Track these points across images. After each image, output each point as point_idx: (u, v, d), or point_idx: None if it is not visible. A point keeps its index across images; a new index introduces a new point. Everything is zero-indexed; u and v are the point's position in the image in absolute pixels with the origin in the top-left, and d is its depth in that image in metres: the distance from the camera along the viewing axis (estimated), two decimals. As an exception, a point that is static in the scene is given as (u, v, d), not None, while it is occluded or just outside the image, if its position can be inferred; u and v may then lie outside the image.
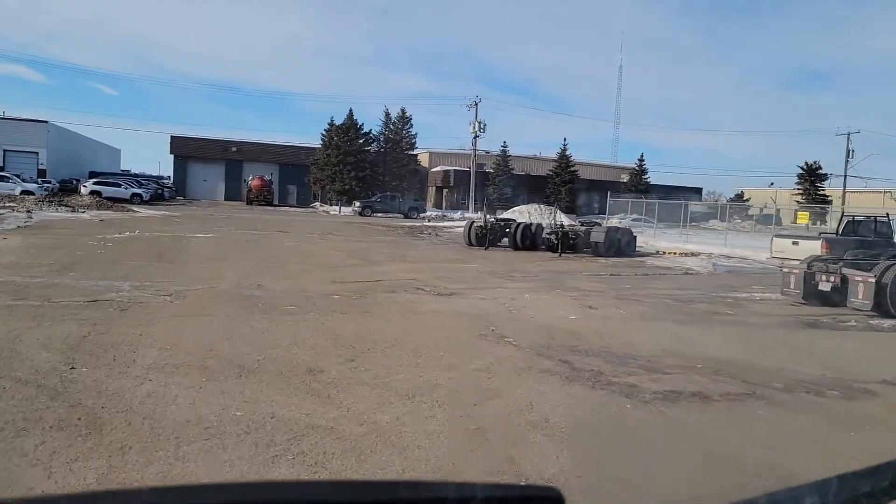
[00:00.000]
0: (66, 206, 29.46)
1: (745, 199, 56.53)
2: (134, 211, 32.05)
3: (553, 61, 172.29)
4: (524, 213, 31.40)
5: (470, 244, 22.64)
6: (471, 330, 8.47)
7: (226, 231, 24.39)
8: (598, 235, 20.51)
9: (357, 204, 45.23)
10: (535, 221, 25.26)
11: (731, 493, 0.83)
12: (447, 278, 13.91)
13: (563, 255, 20.45)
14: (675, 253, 22.17)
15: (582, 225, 22.05)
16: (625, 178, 66.49)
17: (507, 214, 32.52)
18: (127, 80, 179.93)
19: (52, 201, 29.74)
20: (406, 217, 45.00)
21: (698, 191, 61.46)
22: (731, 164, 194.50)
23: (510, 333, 8.29)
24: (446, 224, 35.82)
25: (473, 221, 23.35)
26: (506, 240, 22.85)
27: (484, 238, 22.24)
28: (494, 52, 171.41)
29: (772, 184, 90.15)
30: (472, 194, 52.13)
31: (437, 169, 62.05)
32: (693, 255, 21.84)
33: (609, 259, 19.86)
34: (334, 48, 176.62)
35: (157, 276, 12.09)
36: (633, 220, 41.30)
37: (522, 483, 2.87)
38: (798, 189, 55.90)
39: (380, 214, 45.39)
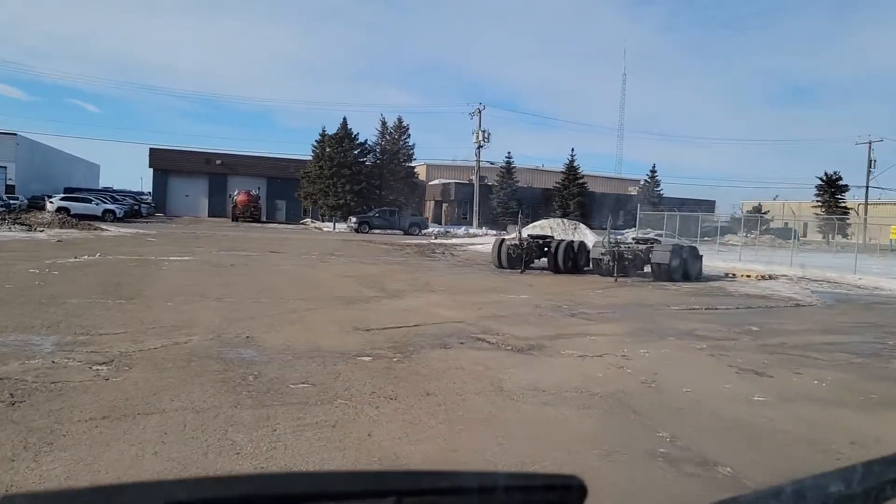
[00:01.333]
0: (23, 224, 25.49)
1: (764, 211, 53.39)
2: (103, 229, 28.12)
3: (539, 77, 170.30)
4: (545, 229, 27.79)
5: (500, 266, 18.98)
6: (631, 442, 4.80)
7: (207, 253, 20.58)
8: (661, 255, 16.89)
9: (353, 220, 41.46)
10: (562, 238, 21.64)
11: None
12: (503, 318, 10.26)
13: (618, 279, 16.86)
14: (748, 276, 18.57)
15: (638, 242, 18.42)
16: (633, 190, 63.27)
17: (525, 231, 28.88)
18: (109, 97, 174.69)
19: (4, 219, 25.73)
20: (406, 234, 41.32)
21: (711, 203, 58.28)
22: (724, 175, 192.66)
23: (711, 450, 4.62)
24: (456, 241, 32.15)
25: (504, 239, 19.68)
26: (539, 260, 19.22)
27: (518, 259, 18.60)
28: (482, 67, 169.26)
29: (776, 197, 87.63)
30: (475, 209, 48.53)
31: (436, 182, 58.47)
32: (770, 277, 18.29)
33: (678, 285, 16.27)
34: (321, 64, 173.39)
35: (102, 324, 8.38)
36: (657, 234, 37.89)
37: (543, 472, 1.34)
38: (817, 201, 52.87)
39: (377, 231, 41.69)
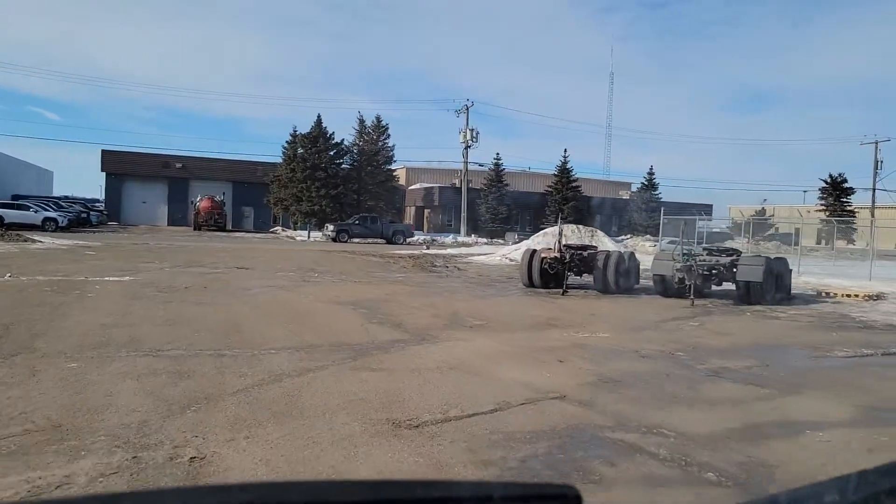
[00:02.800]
0: (-69, 235, 20.81)
1: (768, 215, 50.48)
2: (34, 241, 23.51)
3: (505, 84, 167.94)
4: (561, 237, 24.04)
5: (531, 285, 15.07)
6: None
7: (157, 270, 16.31)
8: (751, 271, 13.06)
9: (330, 228, 37.14)
10: (607, 249, 17.82)
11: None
12: (623, 388, 6.40)
13: (694, 301, 13.07)
14: (851, 295, 14.85)
15: (711, 254, 14.54)
16: (625, 194, 60.14)
17: (535, 239, 25.05)
18: (70, 105, 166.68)
19: None
20: (390, 243, 37.22)
21: (708, 207, 55.24)
22: (698, 179, 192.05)
23: None
24: (453, 252, 28.14)
25: (535, 251, 15.68)
26: (574, 277, 15.36)
27: (558, 276, 14.64)
28: (449, 75, 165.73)
29: (765, 200, 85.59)
30: (463, 215, 44.63)
31: (417, 186, 54.49)
32: (878, 297, 14.64)
33: (778, 309, 12.55)
34: (288, 74, 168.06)
35: None
36: (670, 241, 34.44)
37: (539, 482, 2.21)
38: (821, 204, 50.13)
39: (357, 240, 37.51)
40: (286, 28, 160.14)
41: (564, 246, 15.30)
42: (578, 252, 14.97)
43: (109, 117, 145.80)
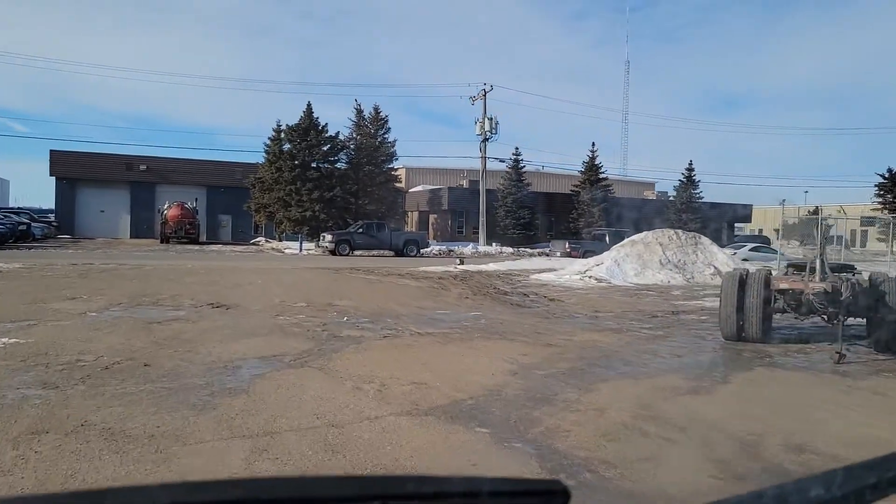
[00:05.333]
0: None
1: (825, 215, 44.54)
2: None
3: (477, 91, 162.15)
4: (668, 248, 17.57)
5: (738, 337, 8.44)
6: None
7: (74, 317, 9.55)
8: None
9: (328, 238, 30.21)
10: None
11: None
12: None
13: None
14: None
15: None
16: (649, 194, 53.99)
17: (621, 251, 18.45)
18: (38, 116, 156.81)
19: None
20: (400, 255, 30.51)
21: (747, 207, 49.20)
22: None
23: None
24: (498, 267, 21.42)
25: (745, 276, 8.81)
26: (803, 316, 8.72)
27: (767, 317, 8.04)
28: (419, 81, 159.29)
29: (783, 201, 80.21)
30: (482, 220, 37.89)
31: (419, 188, 47.81)
32: None
33: None
34: (257, 80, 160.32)
35: None
36: (752, 249, 28.14)
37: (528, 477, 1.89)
38: (878, 202, 44.36)
39: (360, 252, 30.75)
40: (253, 36, 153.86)
41: (837, 275, 8.52)
42: (855, 283, 8.14)
43: (78, 129, 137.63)
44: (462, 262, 22.51)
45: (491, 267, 21.15)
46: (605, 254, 18.73)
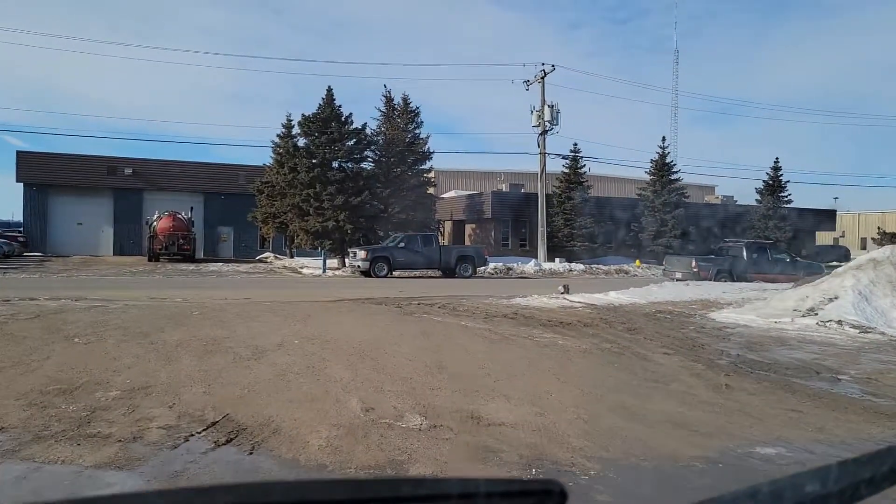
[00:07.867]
0: None
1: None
2: None
3: (473, 102, 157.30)
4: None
5: None
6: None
7: None
8: None
9: (360, 254, 23.42)
10: None
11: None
12: None
13: None
14: None
15: None
16: (711, 199, 47.29)
17: (846, 282, 11.70)
18: (28, 128, 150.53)
19: None
20: (453, 275, 23.79)
21: (832, 214, 42.50)
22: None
23: None
24: (637, 300, 14.62)
25: None
26: None
27: None
28: (412, 93, 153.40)
29: (836, 198, 73.64)
30: (542, 230, 31.06)
31: (452, 194, 41.04)
32: None
33: None
34: (248, 94, 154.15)
35: None
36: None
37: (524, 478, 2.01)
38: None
39: (400, 272, 24.02)
40: (246, 49, 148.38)
41: None
42: None
43: (67, 144, 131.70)
44: (566, 291, 15.74)
45: (623, 299, 14.36)
46: (827, 282, 11.94)
